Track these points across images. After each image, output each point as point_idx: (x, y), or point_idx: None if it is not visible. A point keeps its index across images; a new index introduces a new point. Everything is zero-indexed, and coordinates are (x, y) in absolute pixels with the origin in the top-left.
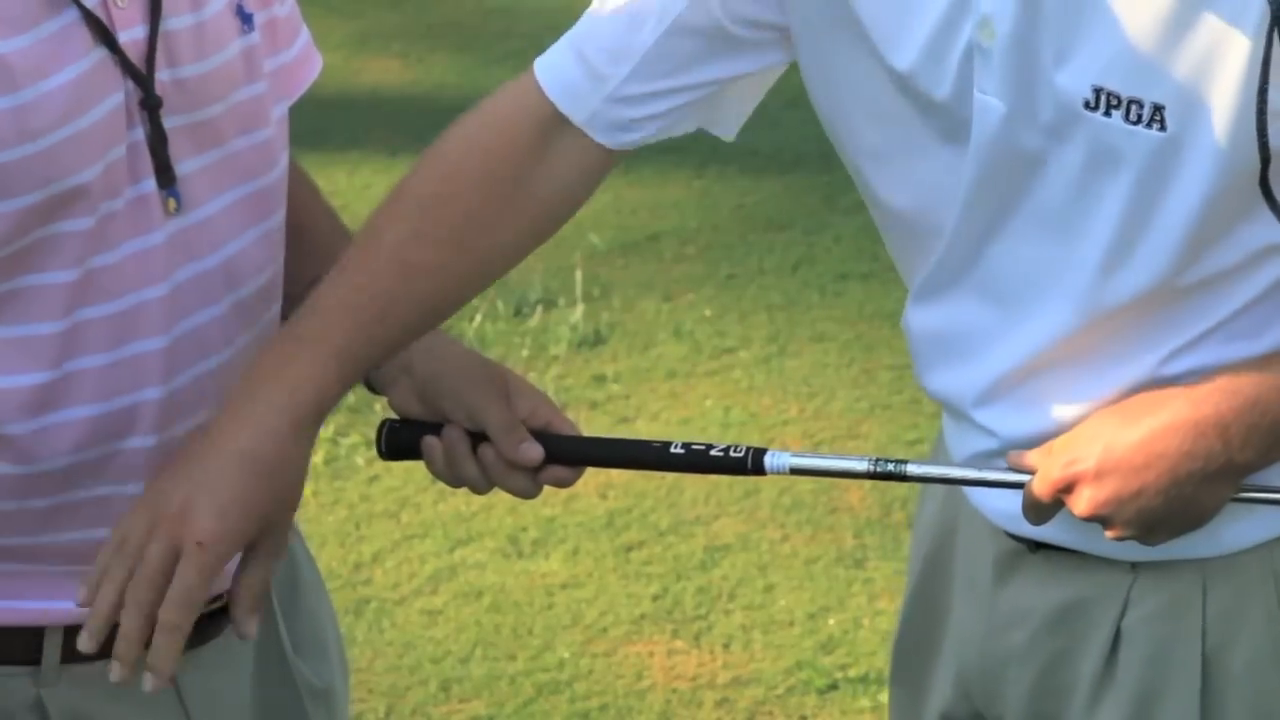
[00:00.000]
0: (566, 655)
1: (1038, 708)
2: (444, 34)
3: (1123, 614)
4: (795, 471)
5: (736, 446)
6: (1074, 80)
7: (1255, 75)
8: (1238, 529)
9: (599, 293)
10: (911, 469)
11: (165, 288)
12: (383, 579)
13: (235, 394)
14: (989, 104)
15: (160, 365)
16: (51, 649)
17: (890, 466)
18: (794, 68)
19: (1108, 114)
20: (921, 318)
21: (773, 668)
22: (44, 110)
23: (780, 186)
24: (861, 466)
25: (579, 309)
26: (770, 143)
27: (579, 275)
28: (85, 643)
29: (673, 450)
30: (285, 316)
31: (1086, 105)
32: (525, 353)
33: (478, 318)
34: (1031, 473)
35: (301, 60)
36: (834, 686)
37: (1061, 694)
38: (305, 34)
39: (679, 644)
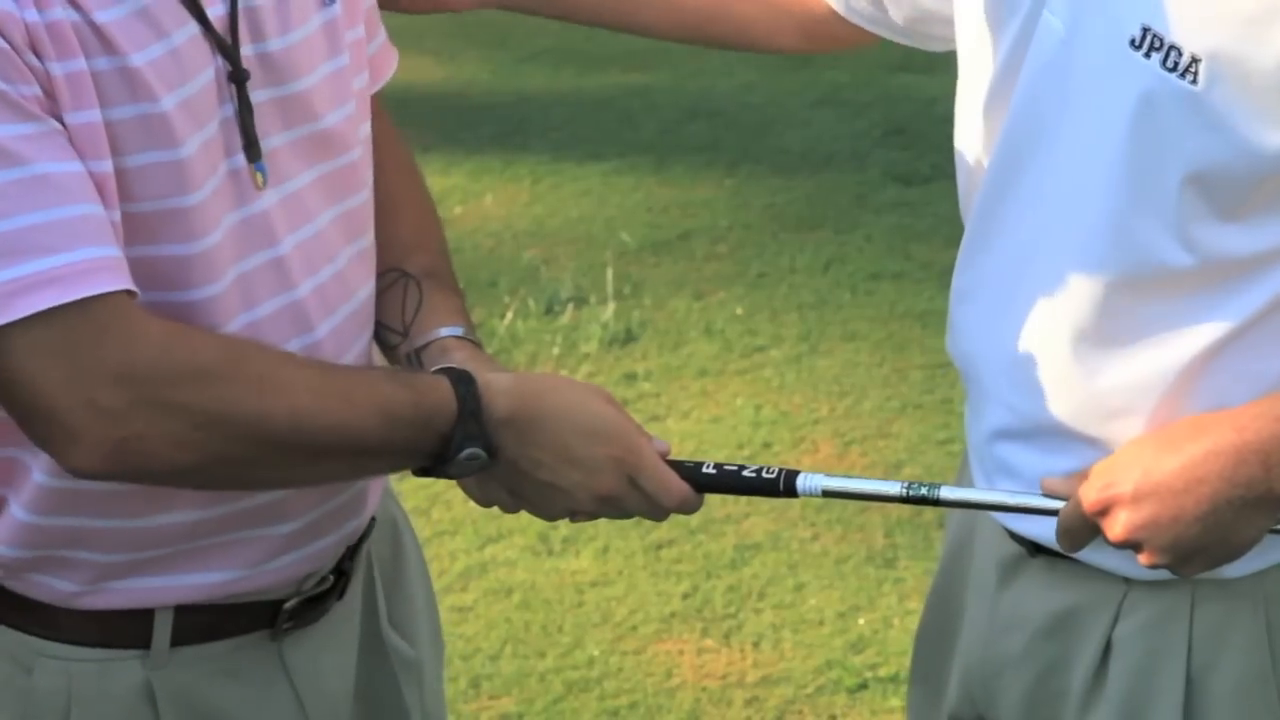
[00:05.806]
0: (596, 653)
1: (1031, 713)
2: (476, 32)
3: (1114, 624)
4: (828, 494)
5: (769, 468)
6: (1127, 13)
7: None
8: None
9: (630, 291)
10: (945, 494)
11: (254, 261)
12: None
13: None
14: (1051, 25)
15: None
16: (161, 631)
17: (924, 491)
18: (831, 64)
19: (1148, 55)
20: (956, 281)
21: (803, 667)
22: (147, 76)
23: (812, 186)
24: (895, 490)
25: (610, 307)
26: (801, 142)
27: (610, 273)
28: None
29: (704, 470)
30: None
31: (1132, 43)
32: (556, 351)
33: (509, 315)
34: (1066, 497)
35: (385, 52)
36: (864, 686)
37: (1054, 701)
38: (383, 30)
39: (709, 642)
